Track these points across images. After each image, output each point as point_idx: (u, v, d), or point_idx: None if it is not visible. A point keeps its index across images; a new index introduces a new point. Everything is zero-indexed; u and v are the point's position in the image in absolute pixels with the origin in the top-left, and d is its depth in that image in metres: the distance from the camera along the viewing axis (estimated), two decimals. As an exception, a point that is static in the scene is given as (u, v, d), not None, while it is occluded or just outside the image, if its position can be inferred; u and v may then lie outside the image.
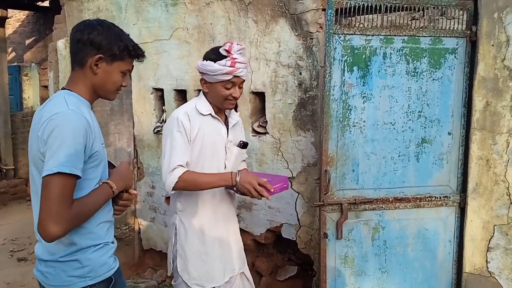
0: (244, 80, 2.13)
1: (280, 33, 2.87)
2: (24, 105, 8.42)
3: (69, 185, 1.40)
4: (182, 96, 3.53)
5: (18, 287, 3.92)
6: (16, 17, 8.61)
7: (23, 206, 6.79)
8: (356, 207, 2.33)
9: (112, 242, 1.66)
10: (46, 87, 8.05)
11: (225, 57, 2.04)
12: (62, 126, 1.41)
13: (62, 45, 4.19)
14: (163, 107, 3.68)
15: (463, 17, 2.30)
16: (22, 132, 7.56)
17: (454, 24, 2.29)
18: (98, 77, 1.57)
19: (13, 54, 8.78)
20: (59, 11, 4.37)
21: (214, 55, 2.07)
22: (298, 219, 2.96)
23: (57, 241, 1.46)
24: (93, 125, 1.53)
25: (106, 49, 1.55)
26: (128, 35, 1.65)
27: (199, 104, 2.13)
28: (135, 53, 1.63)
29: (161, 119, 3.71)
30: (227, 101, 2.11)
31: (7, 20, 7.52)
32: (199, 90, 3.37)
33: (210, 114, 2.13)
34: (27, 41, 8.50)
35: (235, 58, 2.03)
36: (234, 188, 2.07)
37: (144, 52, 1.67)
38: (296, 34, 2.80)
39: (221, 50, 2.06)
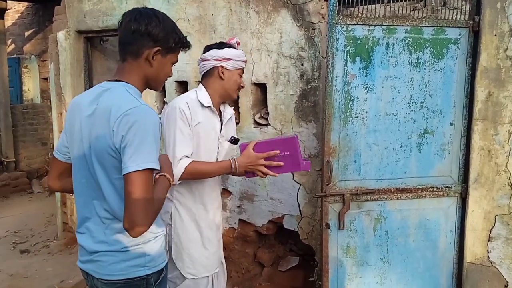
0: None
1: (282, 24, 2.86)
2: (24, 97, 8.39)
3: (152, 180, 1.42)
4: (183, 87, 3.53)
5: (21, 279, 3.94)
6: (15, 9, 8.55)
7: (25, 198, 6.81)
8: (358, 197, 2.34)
9: (164, 233, 1.69)
10: (46, 79, 8.02)
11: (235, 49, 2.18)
12: (141, 122, 1.40)
13: (62, 37, 4.17)
14: (164, 99, 3.68)
15: (465, 7, 2.29)
16: (23, 125, 7.55)
17: (456, 14, 2.28)
18: (154, 69, 1.57)
19: (13, 46, 8.74)
20: (59, 2, 4.33)
21: (229, 45, 2.18)
22: (300, 210, 2.97)
23: (120, 233, 1.49)
24: None
25: (163, 42, 1.53)
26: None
27: (201, 95, 2.14)
28: (187, 44, 1.64)
29: (163, 110, 3.71)
30: (237, 90, 2.22)
31: (6, 11, 7.48)
32: (200, 82, 3.37)
33: (210, 106, 2.14)
34: (27, 33, 8.45)
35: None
36: (239, 175, 2.12)
37: (190, 44, 1.68)
38: (298, 24, 2.79)
39: (231, 43, 2.19)
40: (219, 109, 2.24)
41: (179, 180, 2.03)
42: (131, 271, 1.53)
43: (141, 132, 1.39)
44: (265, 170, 2.01)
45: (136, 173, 1.36)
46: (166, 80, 1.67)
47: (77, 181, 1.57)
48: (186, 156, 2.03)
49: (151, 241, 1.58)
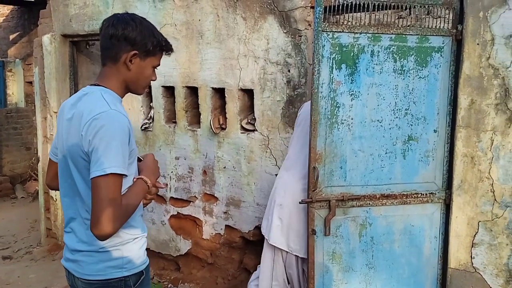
0: None
1: (269, 30, 2.87)
2: (8, 101, 8.27)
3: (119, 184, 1.43)
4: (170, 92, 3.52)
5: (3, 285, 3.87)
6: (0, 12, 8.45)
7: (8, 203, 6.70)
8: (344, 203, 2.35)
9: (145, 235, 1.69)
10: (30, 83, 7.93)
11: None
12: (108, 127, 1.42)
13: (47, 40, 4.13)
14: (151, 104, 3.66)
15: (449, 16, 2.32)
16: (6, 129, 7.44)
17: (440, 23, 2.31)
18: (132, 72, 1.58)
19: (-3, 49, 8.62)
20: (44, 6, 4.30)
21: None
22: (286, 216, 2.97)
23: None
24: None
25: (140, 45, 1.55)
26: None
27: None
28: (167, 48, 1.64)
29: (149, 116, 3.69)
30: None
31: (-10, 14, 7.39)
32: (187, 87, 3.37)
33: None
34: (11, 36, 8.35)
35: None
36: None
37: (172, 46, 1.68)
38: (285, 31, 2.81)
39: None
40: None
41: None
42: (108, 272, 1.54)
43: (107, 137, 1.41)
44: None
45: (101, 178, 1.38)
46: (148, 83, 1.68)
47: (62, 182, 1.60)
48: None
49: (130, 243, 1.58)
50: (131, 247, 1.58)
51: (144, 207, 1.72)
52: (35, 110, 4.63)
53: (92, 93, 1.53)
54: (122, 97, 1.62)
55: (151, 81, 1.68)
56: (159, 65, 1.66)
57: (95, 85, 1.58)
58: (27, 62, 7.94)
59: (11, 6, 8.12)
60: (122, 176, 1.44)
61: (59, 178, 1.62)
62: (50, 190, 4.41)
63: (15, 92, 8.31)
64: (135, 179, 1.58)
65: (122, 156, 1.44)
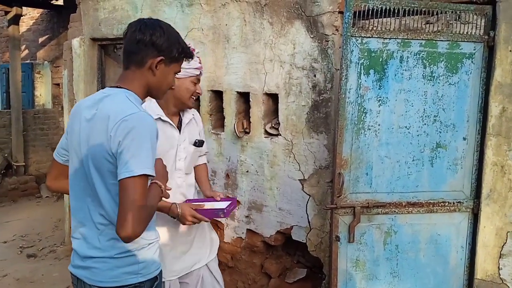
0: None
1: (296, 35, 2.87)
2: (36, 102, 8.49)
3: (146, 186, 1.43)
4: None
5: (28, 283, 3.94)
6: (30, 15, 8.69)
7: (33, 202, 6.85)
8: (369, 210, 2.32)
9: (158, 240, 1.69)
10: (58, 84, 8.11)
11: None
12: (139, 128, 1.42)
13: (77, 44, 4.22)
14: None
15: (480, 22, 2.29)
16: (33, 129, 7.63)
17: (471, 29, 2.28)
18: (156, 78, 1.59)
19: (26, 51, 8.86)
20: (73, 10, 4.40)
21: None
22: (309, 222, 2.96)
23: (114, 239, 1.49)
24: None
25: (167, 52, 1.57)
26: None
27: (148, 108, 2.10)
28: (190, 55, 1.68)
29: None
30: (191, 98, 2.20)
31: (21, 17, 7.60)
32: (212, 91, 3.40)
33: (160, 118, 2.13)
34: (41, 39, 8.57)
35: (199, 57, 2.17)
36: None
37: (193, 53, 1.72)
38: (312, 36, 2.80)
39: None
40: (179, 114, 2.26)
41: None
42: (124, 278, 1.53)
43: (138, 138, 1.41)
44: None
45: (131, 179, 1.37)
46: (168, 89, 1.70)
47: (74, 185, 1.58)
48: None
49: (145, 248, 1.58)
50: (146, 252, 1.58)
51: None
52: (62, 111, 4.73)
53: (115, 95, 1.53)
54: (142, 101, 1.62)
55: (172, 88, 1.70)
56: (180, 71, 1.69)
57: (116, 87, 1.58)
58: (55, 65, 8.14)
59: (41, 10, 8.34)
60: (149, 178, 1.43)
61: (70, 181, 1.59)
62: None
63: (42, 93, 8.52)
64: (149, 183, 1.56)
65: (152, 158, 1.44)
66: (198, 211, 2.11)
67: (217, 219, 2.17)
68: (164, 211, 2.07)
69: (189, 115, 2.29)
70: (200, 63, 2.18)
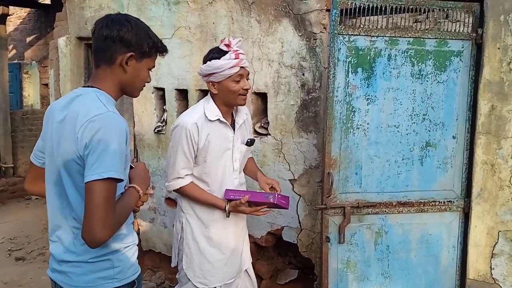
0: (249, 72, 2.18)
1: (283, 33, 2.84)
2: (24, 103, 8.39)
3: (114, 189, 1.38)
4: (183, 95, 3.50)
5: (16, 287, 3.88)
6: (17, 14, 8.58)
7: (22, 204, 6.77)
8: (359, 210, 2.29)
9: (136, 244, 1.65)
10: (46, 85, 8.02)
11: (227, 52, 2.08)
12: (105, 129, 1.37)
13: (63, 43, 4.16)
14: (164, 107, 3.65)
15: (468, 20, 2.26)
16: (22, 130, 7.53)
17: (459, 26, 2.25)
18: (128, 74, 1.53)
19: (14, 51, 8.76)
20: (60, 9, 4.33)
21: (216, 53, 2.11)
22: (300, 222, 2.93)
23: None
24: None
25: (136, 47, 1.51)
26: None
27: (208, 109, 2.14)
28: (162, 49, 1.60)
29: (162, 118, 3.68)
30: (240, 96, 2.13)
31: (8, 17, 7.49)
32: (201, 90, 3.35)
33: (218, 119, 2.14)
34: (28, 39, 8.47)
35: (236, 50, 2.08)
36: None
37: (166, 47, 1.64)
38: (300, 34, 2.77)
39: (221, 46, 2.11)
40: (232, 115, 2.25)
41: (171, 192, 2.08)
42: (99, 283, 1.49)
43: (105, 140, 1.36)
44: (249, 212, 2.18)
45: (96, 182, 1.33)
46: (144, 86, 1.64)
47: (49, 188, 1.54)
48: (187, 175, 2.14)
49: (120, 252, 1.53)
50: (122, 256, 1.53)
51: (134, 213, 1.67)
52: (50, 112, 4.66)
53: (86, 94, 1.48)
54: (116, 100, 1.56)
55: (147, 83, 1.63)
56: (154, 66, 1.62)
57: (88, 86, 1.53)
58: (43, 65, 8.04)
59: (28, 9, 8.24)
60: (117, 181, 1.38)
61: (46, 184, 1.55)
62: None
63: (31, 94, 8.42)
64: (126, 187, 1.53)
65: (120, 160, 1.39)
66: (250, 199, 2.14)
67: (272, 208, 2.26)
68: (214, 206, 2.18)
69: (243, 115, 2.27)
70: (237, 58, 2.06)
